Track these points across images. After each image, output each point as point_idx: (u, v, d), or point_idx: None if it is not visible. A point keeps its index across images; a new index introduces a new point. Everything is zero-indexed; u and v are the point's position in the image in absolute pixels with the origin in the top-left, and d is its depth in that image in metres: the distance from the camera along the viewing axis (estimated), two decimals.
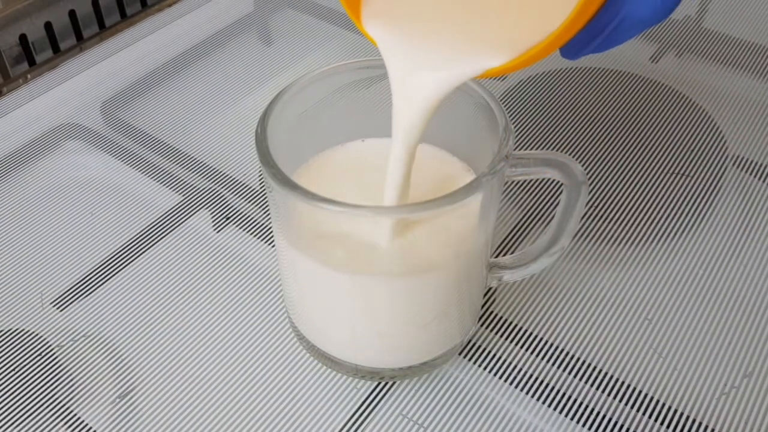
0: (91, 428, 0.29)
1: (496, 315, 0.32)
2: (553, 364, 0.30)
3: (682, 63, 0.46)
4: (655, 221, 0.36)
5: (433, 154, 0.29)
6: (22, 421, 0.29)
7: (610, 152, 0.39)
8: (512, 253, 0.35)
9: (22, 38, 0.45)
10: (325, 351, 0.29)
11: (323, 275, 0.25)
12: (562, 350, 0.31)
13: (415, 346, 0.29)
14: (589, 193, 0.37)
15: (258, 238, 0.36)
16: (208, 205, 0.37)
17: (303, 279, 0.27)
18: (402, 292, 0.25)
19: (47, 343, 0.31)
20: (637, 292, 0.33)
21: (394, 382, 0.30)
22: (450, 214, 0.24)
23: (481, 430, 0.28)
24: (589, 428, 0.28)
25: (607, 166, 0.39)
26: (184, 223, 0.37)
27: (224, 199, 0.37)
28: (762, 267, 0.34)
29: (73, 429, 0.29)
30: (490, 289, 0.33)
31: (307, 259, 0.25)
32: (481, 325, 0.32)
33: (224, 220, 0.36)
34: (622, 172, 0.38)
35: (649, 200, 0.37)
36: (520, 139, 0.40)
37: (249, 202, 0.38)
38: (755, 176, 0.38)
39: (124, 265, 0.35)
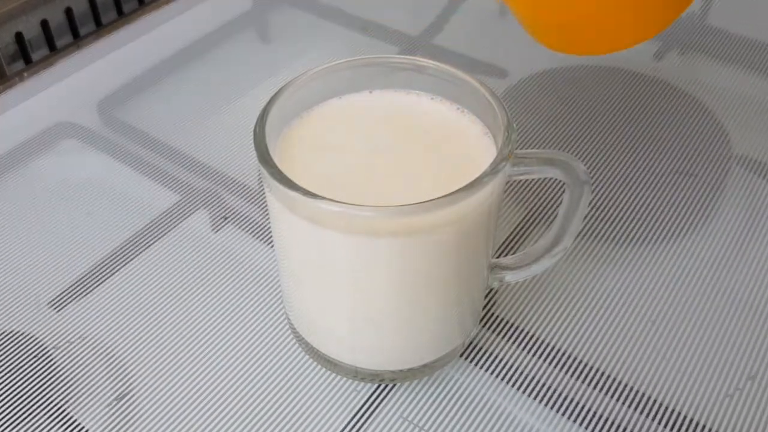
0: (87, 431, 0.28)
1: (498, 316, 0.32)
2: (556, 367, 0.30)
3: (685, 61, 0.46)
4: (659, 221, 0.36)
5: (455, 116, 0.28)
6: (18, 424, 0.28)
7: (613, 151, 0.39)
8: (514, 253, 0.34)
9: (18, 36, 0.45)
10: (325, 353, 0.29)
11: (321, 238, 0.25)
12: (565, 352, 0.30)
13: (415, 347, 0.28)
14: (592, 192, 0.37)
15: (256, 238, 0.35)
16: (206, 205, 0.37)
17: (300, 254, 0.26)
18: (401, 259, 0.25)
19: (43, 344, 0.31)
20: (641, 293, 0.32)
21: (394, 385, 0.29)
22: (451, 213, 0.24)
23: None
24: (592, 431, 0.28)
25: (610, 166, 0.38)
26: (181, 224, 0.36)
27: (222, 198, 0.37)
28: (767, 268, 0.33)
29: None
30: (491, 290, 0.32)
31: (303, 221, 0.24)
32: (483, 327, 0.31)
33: (222, 220, 0.36)
34: (625, 172, 0.38)
35: (652, 200, 0.37)
36: (522, 137, 0.40)
37: (247, 201, 0.37)
38: (760, 176, 0.38)
39: (120, 266, 0.34)
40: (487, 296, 0.32)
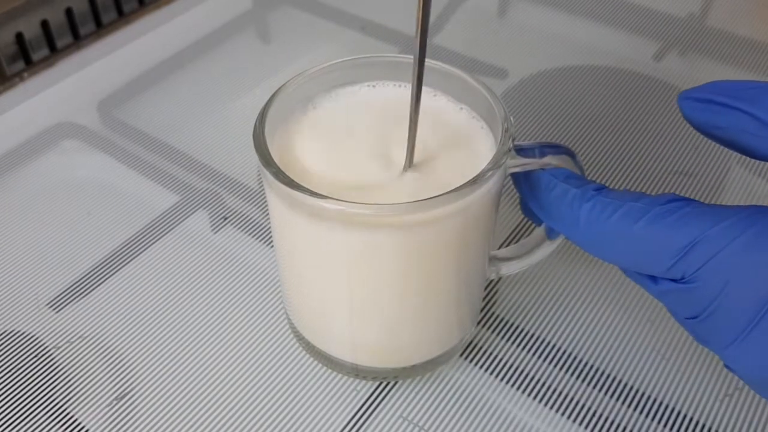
0: (88, 431, 0.28)
1: (497, 316, 0.32)
2: (555, 366, 0.30)
3: (685, 61, 0.46)
4: None
5: (455, 113, 0.28)
6: (18, 424, 0.28)
7: (612, 151, 0.39)
8: None
9: (19, 36, 0.45)
10: (325, 351, 0.29)
11: (322, 237, 0.24)
12: (564, 351, 0.30)
13: (415, 344, 0.28)
14: None
15: (256, 238, 0.35)
16: (206, 205, 0.37)
17: (300, 253, 0.26)
18: (402, 257, 0.25)
19: (43, 344, 0.31)
20: (639, 293, 0.32)
21: (394, 384, 0.29)
22: (453, 210, 0.24)
23: None
24: (591, 431, 0.28)
25: (609, 165, 0.38)
26: (181, 224, 0.36)
27: (222, 199, 0.37)
28: None
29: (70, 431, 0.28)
30: (490, 289, 0.32)
31: (304, 220, 0.24)
32: (482, 326, 0.31)
33: (222, 220, 0.36)
34: (625, 172, 0.38)
35: None
36: (522, 137, 0.40)
37: (247, 202, 0.37)
38: (760, 176, 0.38)
39: (120, 266, 0.34)
40: (486, 296, 0.32)
